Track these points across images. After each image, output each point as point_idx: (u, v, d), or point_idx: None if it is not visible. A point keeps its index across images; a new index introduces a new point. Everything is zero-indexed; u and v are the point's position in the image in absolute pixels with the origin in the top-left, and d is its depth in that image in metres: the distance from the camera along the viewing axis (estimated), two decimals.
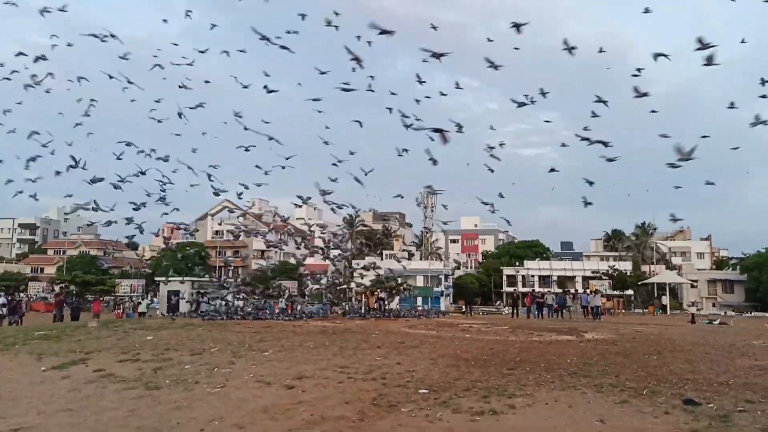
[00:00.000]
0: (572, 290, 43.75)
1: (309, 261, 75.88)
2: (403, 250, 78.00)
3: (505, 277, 71.67)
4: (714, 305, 63.74)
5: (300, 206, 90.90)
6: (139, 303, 36.76)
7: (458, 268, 76.67)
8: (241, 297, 29.94)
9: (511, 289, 57.32)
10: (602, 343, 14.89)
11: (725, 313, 46.25)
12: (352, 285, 34.43)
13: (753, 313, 51.41)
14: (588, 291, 43.39)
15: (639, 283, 56.62)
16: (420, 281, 64.31)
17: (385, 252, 75.17)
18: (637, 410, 6.43)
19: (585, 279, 64.09)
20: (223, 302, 27.67)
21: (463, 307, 45.91)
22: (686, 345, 14.35)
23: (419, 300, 50.69)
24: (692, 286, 65.31)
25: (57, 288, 52.15)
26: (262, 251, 78.60)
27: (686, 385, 7.95)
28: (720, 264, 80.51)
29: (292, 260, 50.27)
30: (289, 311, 26.65)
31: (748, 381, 8.38)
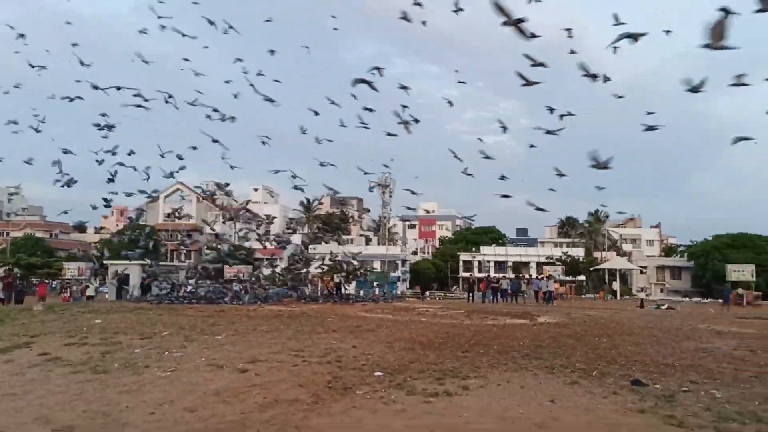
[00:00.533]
0: (527, 276, 44.63)
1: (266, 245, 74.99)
2: (361, 235, 78.14)
3: (461, 263, 72.50)
4: (662, 291, 66.03)
5: (256, 189, 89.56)
6: (87, 286, 35.63)
7: (415, 253, 77.29)
8: (194, 281, 29.47)
9: (467, 275, 58.10)
10: (554, 326, 15.19)
11: (673, 298, 47.91)
12: (309, 270, 34.11)
13: (699, 299, 53.41)
14: (541, 277, 44.34)
15: (591, 269, 58.18)
16: (377, 266, 64.51)
17: (342, 237, 75.07)
18: (587, 391, 6.56)
19: (539, 265, 65.46)
20: (175, 286, 27.15)
21: (420, 291, 46.25)
22: (635, 329, 14.78)
23: (376, 285, 50.88)
24: (641, 273, 67.55)
25: (1, 271, 50.26)
26: (216, 234, 77.52)
27: (634, 367, 8.16)
28: (669, 251, 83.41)
29: (247, 245, 49.55)
30: (244, 296, 26.31)
31: (692, 363, 8.67)
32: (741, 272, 48.26)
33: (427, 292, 45.36)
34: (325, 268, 34.91)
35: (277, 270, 35.33)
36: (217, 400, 6.00)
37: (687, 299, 50.98)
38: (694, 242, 72.77)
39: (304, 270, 31.72)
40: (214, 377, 7.22)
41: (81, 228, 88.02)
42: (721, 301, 33.74)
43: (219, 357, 8.76)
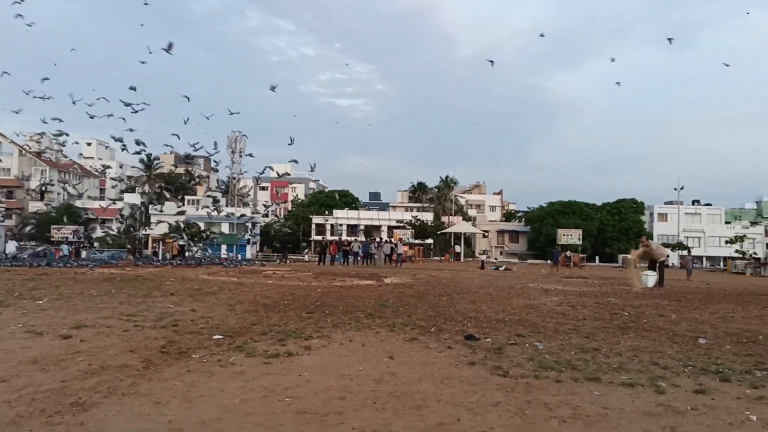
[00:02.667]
0: (377, 239, 45.71)
1: (99, 204, 69.53)
2: (208, 196, 74.99)
3: (314, 226, 72.57)
4: (501, 253, 71.26)
5: (89, 144, 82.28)
6: None
7: (267, 215, 75.88)
8: (16, 242, 26.55)
9: (319, 238, 58.28)
10: (399, 287, 15.71)
11: (511, 259, 51.91)
12: (149, 231, 32.22)
13: (533, 261, 58.37)
14: (392, 240, 45.70)
15: (438, 232, 61.06)
16: (225, 228, 62.54)
17: (187, 197, 71.61)
18: (424, 346, 6.80)
19: (390, 228, 67.49)
20: None
21: (282, 255, 45.34)
22: (473, 288, 15.72)
23: (224, 248, 49.38)
24: (484, 236, 72.35)
25: None
26: (42, 192, 70.07)
27: (469, 323, 8.62)
28: (509, 216, 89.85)
29: (79, 203, 45.63)
30: (73, 258, 24.17)
31: (521, 318, 9.35)
32: (570, 236, 53.57)
33: (285, 255, 44.62)
34: (167, 229, 33.14)
35: (112, 231, 32.85)
36: (34, 369, 5.38)
37: (523, 261, 55.54)
38: (531, 208, 79.14)
39: (143, 231, 29.88)
40: (32, 345, 6.49)
41: None
42: (551, 262, 37.11)
43: (39, 323, 7.93)
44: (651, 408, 4.44)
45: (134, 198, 78.18)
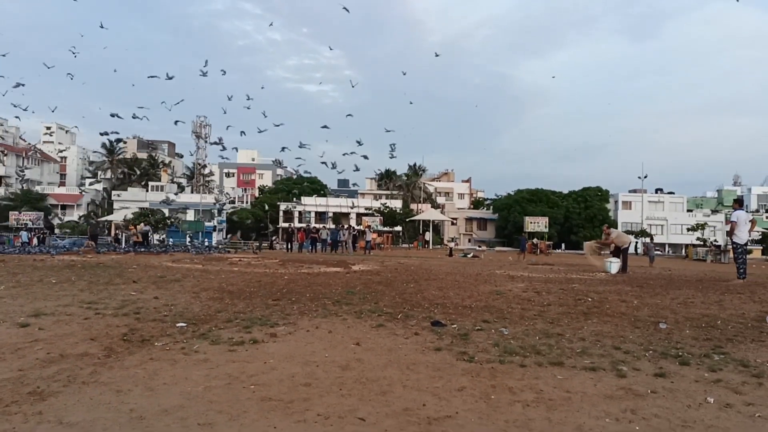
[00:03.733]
0: (346, 226, 45.65)
1: (60, 190, 67.79)
2: (173, 182, 73.76)
3: (281, 213, 72.03)
4: (470, 240, 71.94)
5: (49, 128, 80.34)
6: None
7: (233, 202, 75.02)
8: None
9: (286, 225, 57.89)
10: (367, 273, 15.71)
11: (479, 247, 52.43)
12: (111, 217, 31.59)
13: (501, 248, 59.04)
14: (359, 227, 45.66)
15: (407, 219, 61.24)
16: (191, 215, 61.62)
17: (151, 183, 70.28)
18: (391, 332, 6.80)
19: (359, 216, 67.42)
20: None
21: (258, 243, 44.65)
22: (441, 275, 15.80)
23: (189, 235, 48.68)
24: (452, 224, 72.88)
25: None
26: (0, 177, 67.93)
27: (436, 309, 8.66)
28: (477, 204, 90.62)
29: (38, 189, 44.47)
30: (32, 244, 23.55)
31: (487, 304, 9.43)
32: (537, 224, 54.36)
33: (262, 243, 43.96)
34: (131, 215, 32.50)
35: (73, 217, 32.09)
36: None
37: (491, 248, 56.14)
38: (499, 196, 79.94)
39: (104, 218, 29.30)
40: None
41: None
42: (518, 249, 37.55)
43: None
44: (612, 391, 4.52)
45: (96, 184, 76.42)
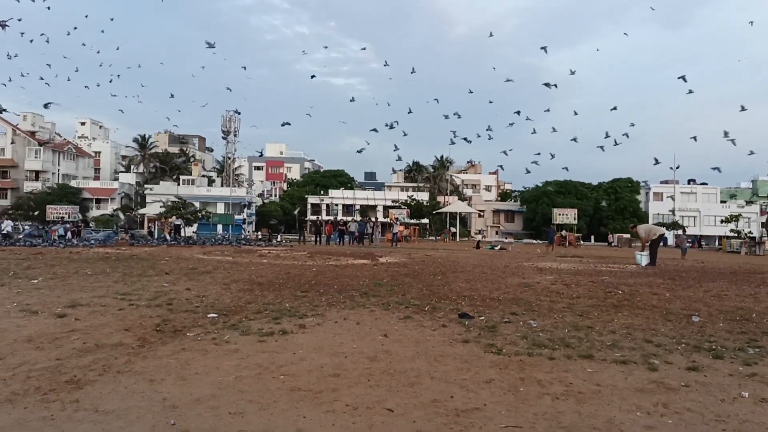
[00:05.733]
0: (373, 218, 45.71)
1: (95, 184, 69.27)
2: (203, 176, 74.78)
3: (309, 206, 72.49)
4: (497, 233, 71.47)
5: (83, 123, 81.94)
6: None
7: (262, 195, 75.78)
8: (11, 222, 26.46)
9: (314, 217, 58.22)
10: (394, 266, 15.73)
11: (506, 239, 52.08)
12: (145, 210, 32.15)
13: (528, 240, 58.53)
14: (389, 220, 45.68)
15: (434, 212, 61.02)
16: (221, 208, 62.44)
17: (182, 177, 71.33)
18: (418, 324, 6.81)
19: (386, 208, 67.47)
20: None
21: (274, 235, 45.04)
22: (468, 267, 15.74)
23: (219, 228, 49.34)
24: (479, 216, 72.47)
25: None
26: (37, 172, 69.59)
27: (463, 302, 8.63)
28: (504, 196, 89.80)
29: (73, 183, 45.51)
30: (70, 237, 24.12)
31: (515, 296, 9.37)
32: (565, 216, 53.75)
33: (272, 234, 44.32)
34: (163, 209, 33.02)
35: (107, 210, 32.78)
36: (29, 347, 5.38)
37: (519, 240, 55.69)
38: (527, 188, 79.15)
39: (138, 211, 29.82)
40: (26, 323, 6.49)
41: None
42: (546, 241, 37.17)
43: (34, 302, 7.92)
44: (643, 385, 4.46)
45: (130, 177, 77.86)
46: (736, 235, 48.68)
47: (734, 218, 53.00)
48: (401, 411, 3.81)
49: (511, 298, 9.11)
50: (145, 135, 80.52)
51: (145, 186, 69.44)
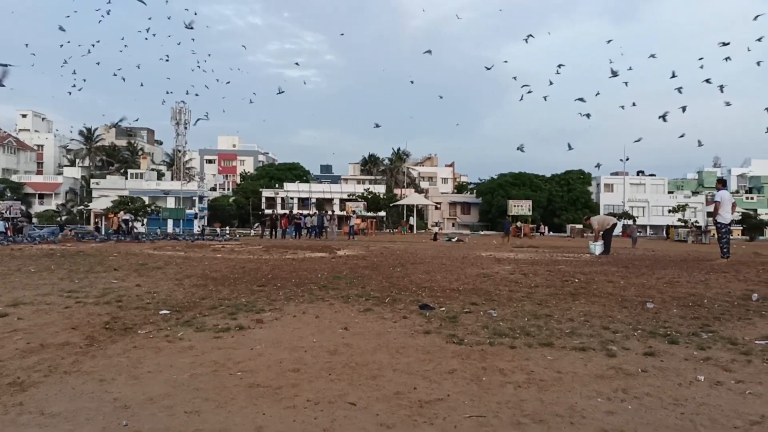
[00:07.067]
0: (330, 212, 45.43)
1: (38, 179, 66.72)
2: (152, 170, 72.85)
3: (264, 199, 71.59)
4: (454, 225, 72.19)
5: (24, 116, 78.92)
6: None
7: (214, 189, 74.41)
8: None
9: (269, 211, 57.54)
10: (353, 259, 15.63)
11: (463, 231, 52.55)
12: (92, 205, 31.12)
13: (485, 231, 59.29)
14: (345, 213, 45.52)
15: (391, 204, 61.14)
16: (171, 203, 60.98)
17: (130, 171, 69.35)
18: (379, 317, 6.74)
19: (342, 201, 67.21)
20: None
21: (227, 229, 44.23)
22: (427, 258, 15.77)
23: (170, 222, 48.17)
24: (436, 208, 73.07)
25: None
26: None
27: (423, 293, 8.60)
28: (460, 188, 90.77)
29: (14, 177, 43.74)
30: (10, 234, 23.09)
31: (474, 287, 9.40)
32: (520, 207, 54.71)
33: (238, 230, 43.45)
34: (111, 204, 32.02)
35: (51, 206, 31.60)
36: None
37: (475, 232, 56.35)
38: (482, 180, 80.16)
39: (84, 206, 28.85)
40: None
41: None
42: (502, 232, 37.73)
43: None
44: (603, 371, 4.50)
45: (75, 172, 75.26)
46: (683, 224, 50.40)
47: (681, 208, 54.88)
48: (364, 404, 3.73)
49: (470, 289, 9.13)
50: (91, 128, 77.97)
51: (92, 180, 67.25)
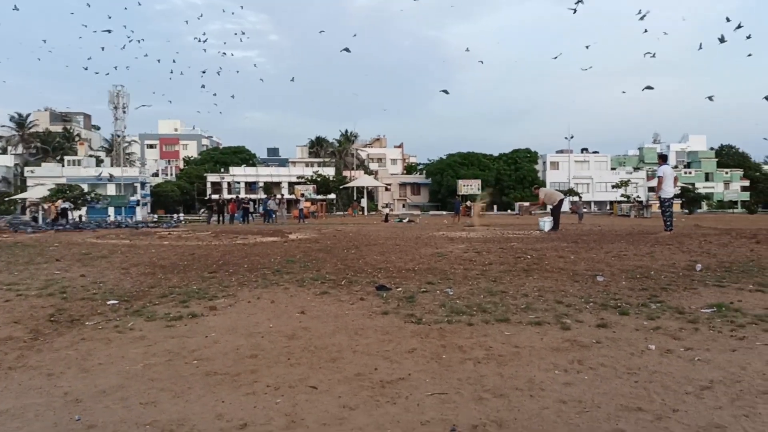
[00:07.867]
0: (279, 195, 44.90)
1: None
2: (91, 156, 70.16)
3: (209, 184, 70.12)
4: (404, 206, 72.55)
5: None
6: None
7: (156, 175, 72.35)
8: None
9: (216, 196, 56.41)
10: (305, 242, 15.47)
11: (414, 211, 52.87)
12: (26, 194, 29.79)
13: (435, 212, 59.80)
14: (294, 196, 45.07)
15: (341, 187, 60.88)
16: (112, 190, 58.97)
17: (67, 158, 66.61)
18: (336, 299, 6.69)
19: (291, 184, 66.51)
20: None
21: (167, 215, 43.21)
22: (380, 240, 15.76)
23: (111, 210, 46.66)
24: (386, 189, 73.21)
25: None
26: None
27: (379, 274, 8.59)
28: (410, 169, 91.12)
29: None
30: None
31: (429, 266, 9.45)
32: (470, 187, 55.44)
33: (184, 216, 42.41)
34: (47, 192, 30.72)
35: None
36: None
37: (426, 212, 56.81)
38: (432, 160, 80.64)
39: (20, 195, 27.62)
40: None
41: None
42: (453, 212, 38.12)
43: None
44: (558, 344, 4.60)
45: (7, 160, 71.83)
46: (626, 199, 52.15)
47: (624, 184, 56.75)
48: (325, 387, 3.70)
49: (426, 268, 9.17)
50: (22, 113, 74.35)
51: (26, 168, 64.30)
